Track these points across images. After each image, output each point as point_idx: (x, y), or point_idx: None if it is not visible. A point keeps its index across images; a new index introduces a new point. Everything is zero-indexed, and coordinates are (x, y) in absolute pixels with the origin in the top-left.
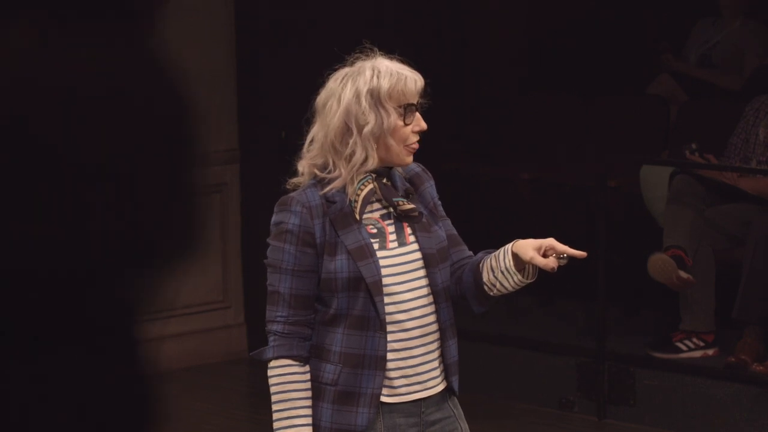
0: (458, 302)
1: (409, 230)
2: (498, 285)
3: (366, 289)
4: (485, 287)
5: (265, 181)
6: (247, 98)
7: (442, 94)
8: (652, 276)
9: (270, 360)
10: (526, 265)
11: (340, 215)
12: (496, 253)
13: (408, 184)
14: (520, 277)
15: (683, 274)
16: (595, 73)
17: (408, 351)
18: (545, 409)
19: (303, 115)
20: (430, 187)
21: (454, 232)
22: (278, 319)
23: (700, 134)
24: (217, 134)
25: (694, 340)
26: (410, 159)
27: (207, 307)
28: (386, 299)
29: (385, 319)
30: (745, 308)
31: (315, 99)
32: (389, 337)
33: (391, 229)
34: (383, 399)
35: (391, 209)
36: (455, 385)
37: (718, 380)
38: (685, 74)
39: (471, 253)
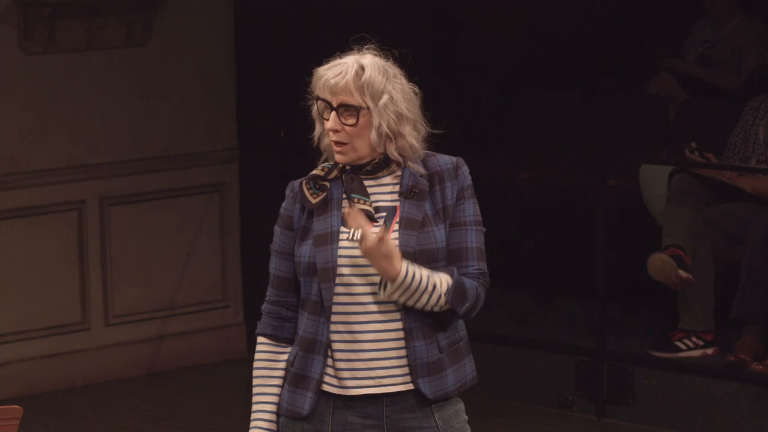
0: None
1: (396, 225)
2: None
3: (317, 275)
4: None
5: (265, 181)
6: (246, 97)
7: (440, 93)
8: (651, 275)
9: (256, 337)
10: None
11: (322, 201)
12: None
13: (416, 181)
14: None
15: (683, 274)
16: (595, 72)
17: (358, 344)
18: (544, 408)
19: (302, 114)
20: (449, 187)
21: (463, 246)
22: (265, 298)
23: (699, 133)
24: (217, 133)
25: (694, 339)
26: (339, 157)
27: (206, 306)
28: (341, 288)
29: (330, 306)
30: (745, 307)
31: None
32: (340, 327)
33: (382, 219)
34: (331, 389)
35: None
36: (424, 389)
37: (718, 379)
38: (684, 73)
39: (454, 269)
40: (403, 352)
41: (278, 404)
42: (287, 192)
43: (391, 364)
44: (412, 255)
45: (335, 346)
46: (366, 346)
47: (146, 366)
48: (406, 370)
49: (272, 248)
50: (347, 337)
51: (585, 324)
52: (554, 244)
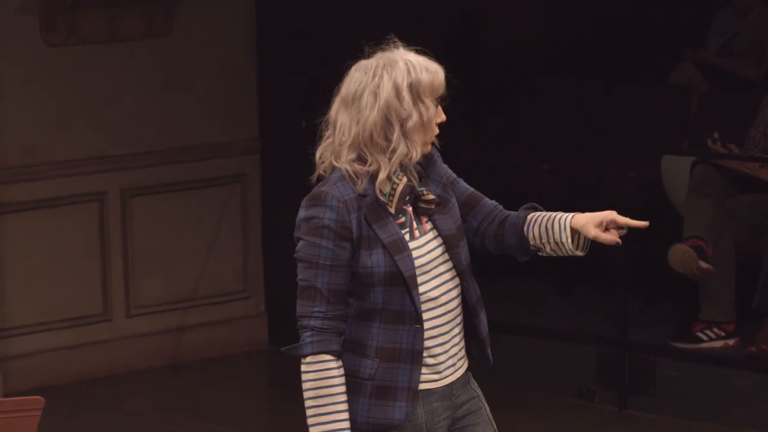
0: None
1: (424, 216)
2: (548, 250)
3: (403, 283)
4: (532, 248)
5: (286, 171)
6: (267, 88)
7: (461, 83)
8: (672, 266)
9: (307, 356)
10: (580, 237)
11: (373, 208)
12: (549, 222)
13: (419, 166)
14: (572, 248)
15: (703, 265)
16: (616, 62)
17: (441, 337)
18: (565, 398)
19: (324, 104)
20: (438, 158)
21: (471, 189)
22: (316, 314)
23: (721, 124)
24: (238, 124)
25: (715, 330)
26: (429, 148)
27: (228, 297)
28: (419, 290)
29: (422, 312)
30: (766, 298)
31: (337, 90)
32: (427, 325)
33: (413, 216)
34: (420, 387)
35: (409, 196)
36: (490, 357)
37: (739, 370)
38: (706, 63)
39: (495, 203)
40: (463, 334)
41: (350, 420)
42: (332, 204)
43: (460, 347)
44: (454, 236)
45: (427, 350)
46: (445, 338)
47: (168, 357)
48: (464, 348)
49: (318, 263)
50: (431, 333)
51: (606, 314)
52: None
